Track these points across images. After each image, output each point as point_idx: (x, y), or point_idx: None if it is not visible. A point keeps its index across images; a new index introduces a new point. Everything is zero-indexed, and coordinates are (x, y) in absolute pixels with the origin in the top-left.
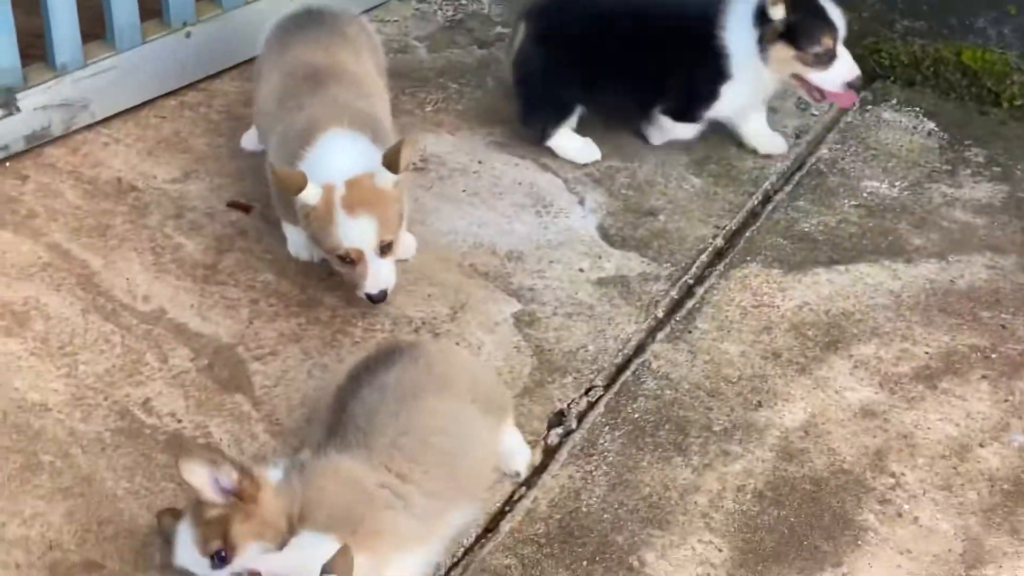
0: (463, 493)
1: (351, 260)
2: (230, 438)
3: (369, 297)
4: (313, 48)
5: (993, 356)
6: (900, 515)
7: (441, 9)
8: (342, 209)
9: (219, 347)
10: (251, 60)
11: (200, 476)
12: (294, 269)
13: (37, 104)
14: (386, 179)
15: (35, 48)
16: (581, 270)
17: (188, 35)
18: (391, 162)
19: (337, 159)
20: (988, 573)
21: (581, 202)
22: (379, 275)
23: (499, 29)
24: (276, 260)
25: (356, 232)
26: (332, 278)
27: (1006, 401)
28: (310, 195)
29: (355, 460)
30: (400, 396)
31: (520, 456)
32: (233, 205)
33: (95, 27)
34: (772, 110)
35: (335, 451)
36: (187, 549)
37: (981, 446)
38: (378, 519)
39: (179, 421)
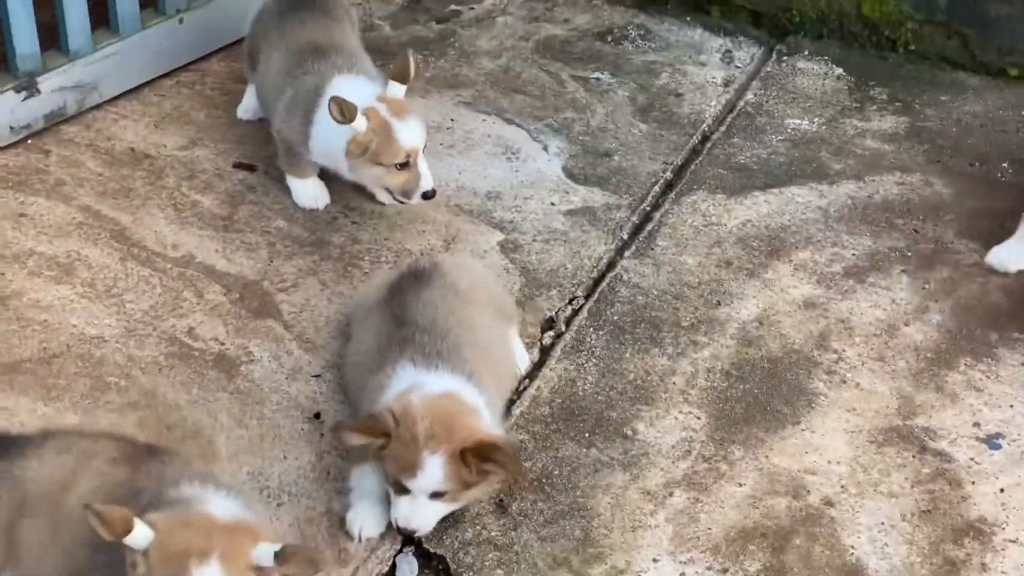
0: (503, 389)
1: (406, 165)
2: (269, 355)
3: (425, 195)
4: (311, 28)
5: (909, 254)
6: (844, 382)
7: None
8: (393, 118)
9: (247, 283)
10: (238, 42)
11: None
12: (302, 216)
13: (54, 87)
14: (401, 90)
15: (47, 37)
16: (552, 204)
17: (181, 21)
18: (400, 73)
19: (355, 91)
20: (920, 421)
21: (545, 148)
22: (428, 172)
23: (453, 7)
24: (285, 209)
25: (411, 132)
26: (336, 222)
27: (923, 289)
28: (359, 123)
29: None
30: (447, 311)
31: (521, 357)
32: (239, 165)
33: (99, 17)
34: (700, 64)
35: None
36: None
37: (906, 325)
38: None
39: (222, 344)
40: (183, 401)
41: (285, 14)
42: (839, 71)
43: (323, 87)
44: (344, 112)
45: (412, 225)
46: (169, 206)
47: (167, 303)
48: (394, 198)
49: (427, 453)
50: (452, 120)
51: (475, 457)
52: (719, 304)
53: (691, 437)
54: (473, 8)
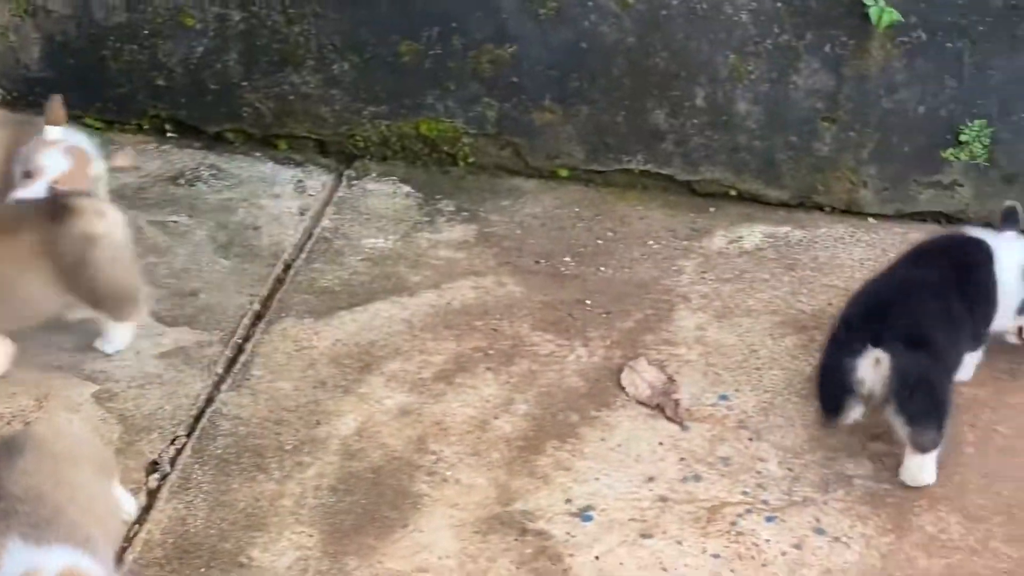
0: (112, 542)
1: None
2: None
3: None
4: None
5: (491, 352)
6: (445, 480)
7: None
8: None
9: None
10: None
11: None
12: None
13: None
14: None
15: None
16: (138, 352)
17: None
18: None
19: None
20: (518, 506)
21: None
22: None
23: None
24: None
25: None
26: None
27: (508, 383)
28: None
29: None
30: (45, 477)
31: (127, 504)
32: None
33: None
34: (275, 196)
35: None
36: None
37: (495, 418)
38: None
39: None
40: None
41: None
42: (407, 188)
43: None
44: None
45: (1, 388)
46: None
47: None
48: None
49: None
50: None
51: None
52: (319, 423)
53: (306, 555)
54: None
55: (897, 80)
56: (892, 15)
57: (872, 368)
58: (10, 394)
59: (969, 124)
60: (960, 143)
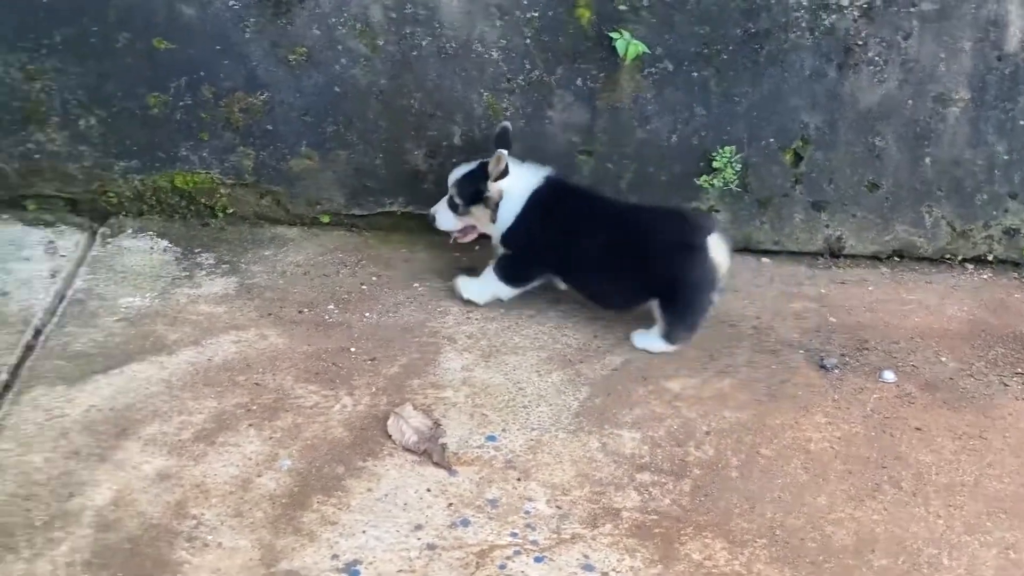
0: None
1: None
2: None
3: None
4: None
5: (254, 408)
6: (207, 545)
7: None
8: None
9: None
10: None
11: None
12: None
13: None
14: None
15: None
16: None
17: None
18: None
19: None
20: (283, 566)
21: None
22: None
23: None
24: None
25: None
26: None
27: (271, 438)
28: None
29: None
30: None
31: None
32: None
33: None
34: (24, 259)
35: None
36: None
37: (259, 476)
38: None
39: None
40: None
41: None
42: (165, 243)
43: None
44: None
45: None
46: None
47: None
48: None
49: None
50: None
51: None
52: (72, 496)
53: None
54: None
55: (649, 111)
56: (638, 47)
57: None
58: None
59: (720, 151)
60: (713, 170)
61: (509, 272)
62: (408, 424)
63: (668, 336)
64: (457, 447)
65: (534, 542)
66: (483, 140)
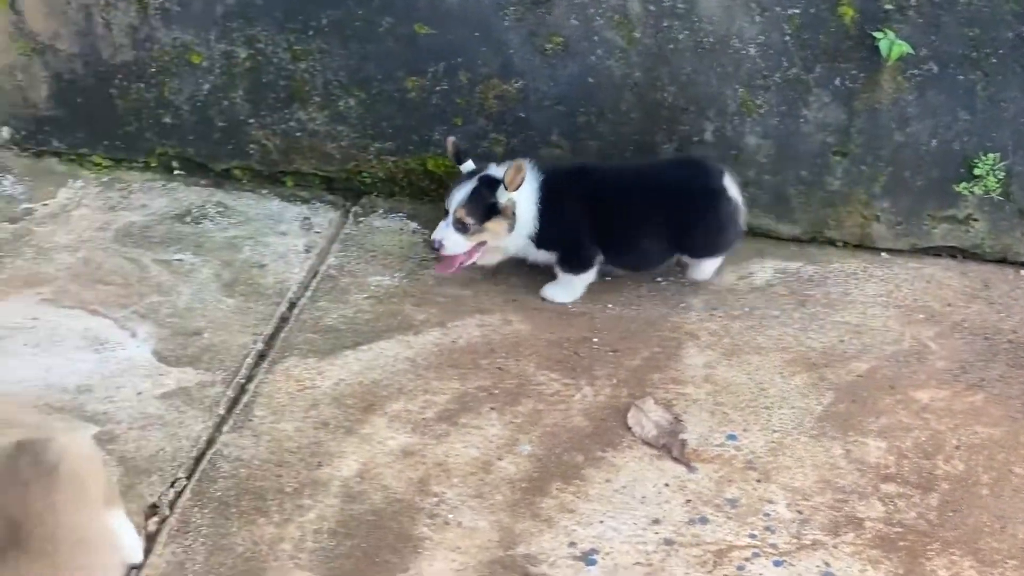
0: None
1: None
2: None
3: None
4: None
5: (496, 391)
6: (447, 523)
7: None
8: None
9: None
10: None
11: None
12: None
13: None
14: None
15: None
16: (139, 393)
17: None
18: None
19: None
20: (520, 549)
21: (133, 335)
22: None
23: (25, 205)
24: None
25: None
26: None
27: (512, 423)
28: None
29: None
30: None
31: (132, 548)
32: None
33: None
34: (281, 234)
35: None
36: None
37: (499, 459)
38: None
39: None
40: None
41: None
42: (413, 225)
43: None
44: None
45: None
46: None
47: None
48: None
49: None
50: (35, 319)
51: None
52: (320, 465)
53: None
54: (47, 204)
55: (909, 113)
56: (902, 47)
57: None
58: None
59: (983, 157)
60: (974, 177)
61: (574, 262)
62: (648, 418)
63: (706, 273)
64: (697, 444)
65: (773, 545)
66: (735, 137)
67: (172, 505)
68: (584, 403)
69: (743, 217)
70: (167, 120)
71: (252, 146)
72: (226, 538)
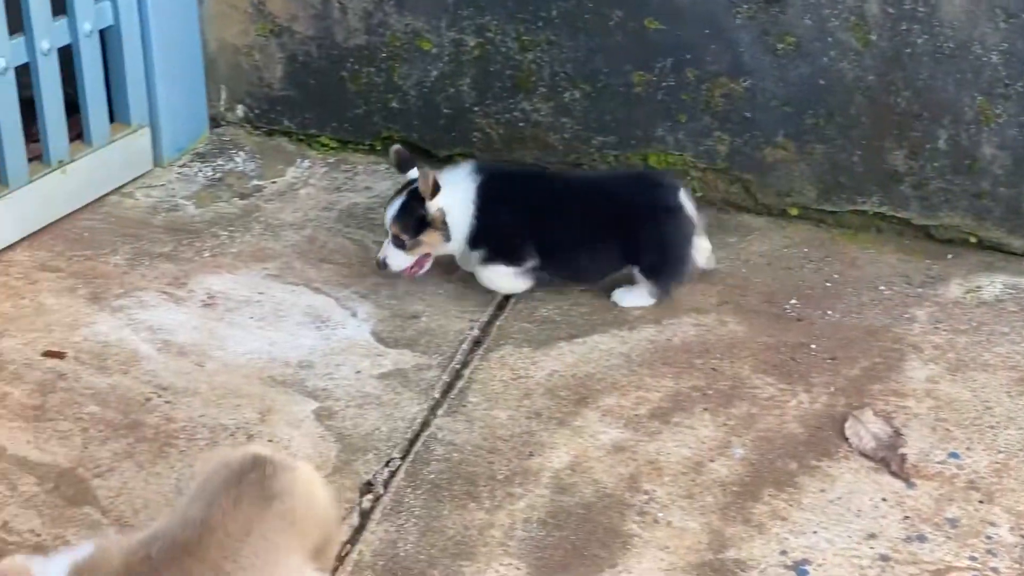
0: None
1: None
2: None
3: None
4: None
5: (709, 392)
6: (656, 521)
7: (201, 171)
8: None
9: (61, 471)
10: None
11: None
12: (115, 400)
13: None
14: None
15: None
16: (358, 372)
17: None
18: None
19: None
20: (730, 554)
21: (354, 314)
22: None
23: (255, 182)
24: (97, 393)
25: None
26: (149, 403)
27: (725, 425)
28: None
29: None
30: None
31: None
32: (48, 354)
33: None
34: None
35: None
36: None
37: (711, 461)
38: None
39: (38, 535)
40: None
41: None
42: None
43: None
44: None
45: (226, 400)
46: None
47: None
48: None
49: None
50: (261, 293)
51: None
52: (532, 455)
53: None
54: (275, 182)
55: None
56: None
57: None
58: (235, 406)
59: None
60: None
61: (504, 251)
62: (867, 429)
63: (659, 294)
64: (916, 459)
65: (995, 569)
66: (970, 146)
67: (386, 484)
68: (799, 410)
69: (697, 233)
70: (394, 105)
71: (476, 134)
72: (437, 520)
